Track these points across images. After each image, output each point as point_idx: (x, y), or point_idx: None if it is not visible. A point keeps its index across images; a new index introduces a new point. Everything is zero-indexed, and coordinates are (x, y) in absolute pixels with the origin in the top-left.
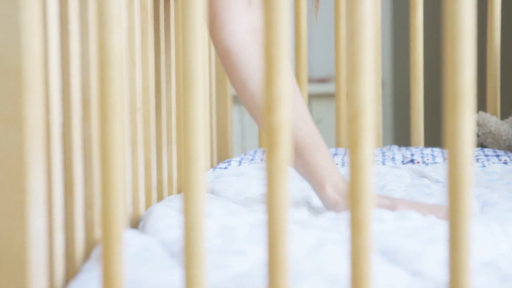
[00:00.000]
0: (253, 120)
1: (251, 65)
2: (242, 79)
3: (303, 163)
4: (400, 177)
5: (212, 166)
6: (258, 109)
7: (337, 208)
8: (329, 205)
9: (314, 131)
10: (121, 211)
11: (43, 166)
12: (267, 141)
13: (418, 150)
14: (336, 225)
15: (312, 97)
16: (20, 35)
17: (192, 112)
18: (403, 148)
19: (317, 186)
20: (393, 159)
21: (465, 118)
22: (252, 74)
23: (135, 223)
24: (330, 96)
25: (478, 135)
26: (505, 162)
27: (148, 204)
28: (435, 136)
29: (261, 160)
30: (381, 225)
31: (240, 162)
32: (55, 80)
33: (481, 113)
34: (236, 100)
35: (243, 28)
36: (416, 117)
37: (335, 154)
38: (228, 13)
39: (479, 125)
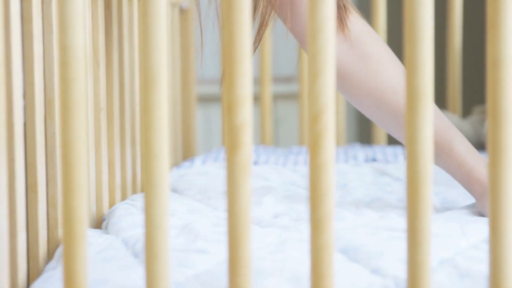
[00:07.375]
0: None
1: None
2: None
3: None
4: (362, 176)
5: (176, 164)
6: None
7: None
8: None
9: (448, 120)
10: (84, 210)
11: (5, 165)
12: (228, 140)
13: (381, 149)
14: (296, 224)
15: (277, 97)
16: None
17: (155, 111)
18: (366, 147)
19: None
20: (355, 157)
21: (425, 116)
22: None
23: (99, 223)
24: (295, 96)
25: None
26: None
27: (111, 204)
28: None
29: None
30: (341, 223)
31: (204, 161)
32: (18, 80)
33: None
34: (201, 99)
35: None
36: None
37: (299, 153)
38: None
39: None
